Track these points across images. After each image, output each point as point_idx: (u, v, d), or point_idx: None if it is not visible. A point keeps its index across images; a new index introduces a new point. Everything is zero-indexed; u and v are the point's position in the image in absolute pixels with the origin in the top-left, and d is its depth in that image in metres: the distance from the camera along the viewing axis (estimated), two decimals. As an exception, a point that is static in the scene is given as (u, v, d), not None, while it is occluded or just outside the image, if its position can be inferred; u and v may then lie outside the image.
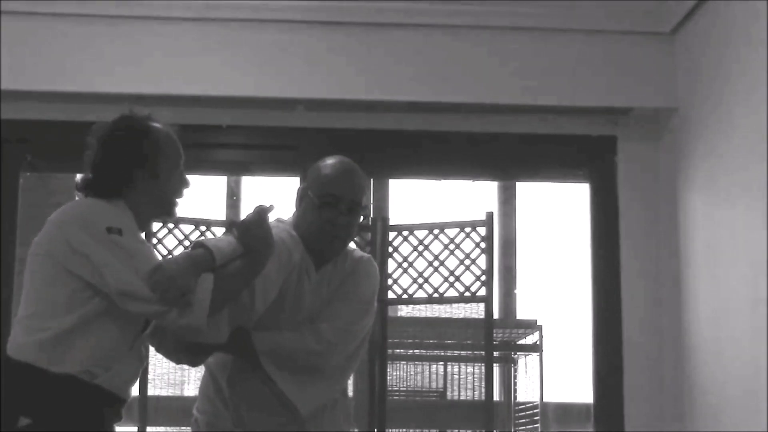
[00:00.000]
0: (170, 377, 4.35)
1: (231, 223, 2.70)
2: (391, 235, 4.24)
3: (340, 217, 2.88)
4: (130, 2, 4.22)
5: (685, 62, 4.27)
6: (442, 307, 4.48)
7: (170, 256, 2.54)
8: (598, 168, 4.51)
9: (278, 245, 2.74)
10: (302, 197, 2.96)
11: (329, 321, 2.88)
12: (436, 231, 4.25)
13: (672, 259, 4.28)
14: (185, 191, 2.73)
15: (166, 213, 2.74)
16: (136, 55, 4.22)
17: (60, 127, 4.31)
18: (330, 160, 2.97)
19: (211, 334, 2.64)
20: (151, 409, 4.18)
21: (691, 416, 4.09)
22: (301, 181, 3.02)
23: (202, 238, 2.55)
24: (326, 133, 4.43)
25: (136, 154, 2.64)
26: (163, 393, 4.51)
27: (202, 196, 4.80)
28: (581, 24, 4.34)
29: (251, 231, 2.62)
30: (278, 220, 2.95)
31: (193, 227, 4.23)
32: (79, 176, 2.72)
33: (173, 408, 4.32)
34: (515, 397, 5.47)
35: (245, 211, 6.38)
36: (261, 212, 2.66)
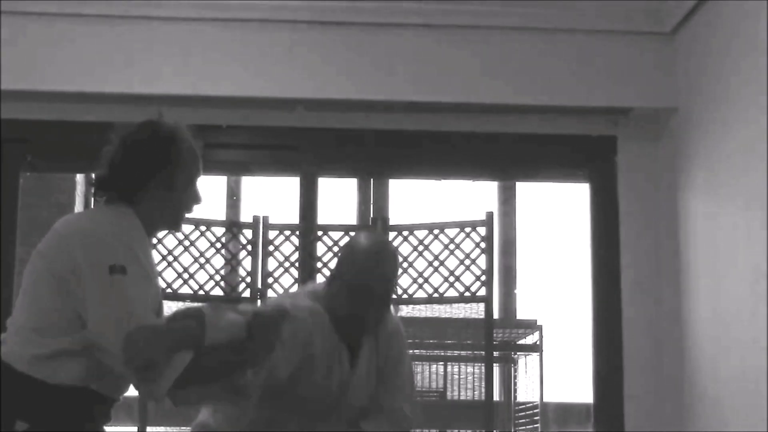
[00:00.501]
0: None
1: (253, 315, 2.50)
2: (391, 235, 4.25)
3: (372, 310, 2.81)
4: (130, 2, 4.22)
5: (685, 62, 4.27)
6: (442, 307, 4.49)
7: (160, 319, 2.42)
8: (598, 168, 4.51)
9: (298, 325, 2.72)
10: (334, 277, 2.87)
11: (401, 397, 2.90)
12: (436, 231, 4.25)
13: (672, 259, 4.28)
14: (195, 207, 2.71)
15: (173, 225, 2.70)
16: (136, 55, 4.22)
17: (60, 127, 4.31)
18: (365, 242, 2.87)
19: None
20: (151, 409, 4.18)
21: (691, 416, 4.09)
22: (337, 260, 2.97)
23: (206, 306, 2.45)
24: (326, 133, 4.43)
25: (156, 160, 2.58)
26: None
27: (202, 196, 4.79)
28: (581, 24, 4.34)
29: (266, 329, 2.48)
30: (306, 292, 2.92)
31: (193, 227, 4.23)
32: (94, 173, 2.69)
33: (173, 408, 4.31)
34: (515, 397, 5.47)
35: (245, 211, 6.35)
36: (280, 315, 2.52)
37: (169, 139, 2.61)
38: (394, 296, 3.08)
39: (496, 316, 4.99)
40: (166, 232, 4.15)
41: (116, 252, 2.42)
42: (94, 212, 2.61)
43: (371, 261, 2.81)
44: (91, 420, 2.51)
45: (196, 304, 2.85)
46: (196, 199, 2.67)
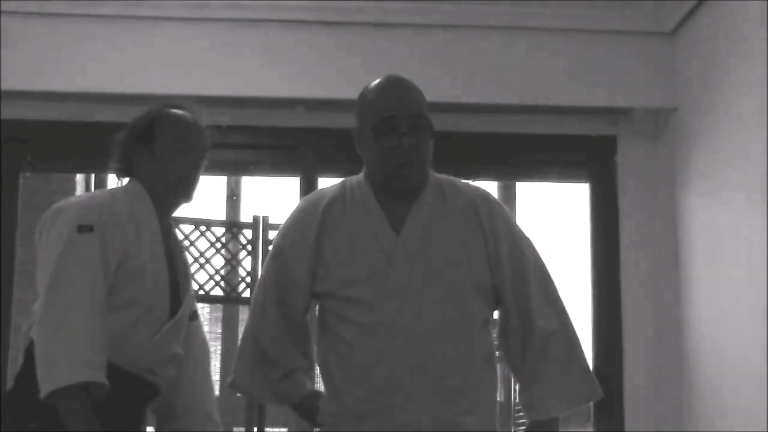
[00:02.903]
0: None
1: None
2: (391, 235, 4.24)
3: (404, 139, 2.43)
4: (130, 2, 4.22)
5: (685, 62, 4.27)
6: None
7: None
8: (598, 168, 4.51)
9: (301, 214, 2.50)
10: (358, 139, 2.52)
11: (530, 294, 2.49)
12: (436, 231, 4.25)
13: (672, 259, 4.28)
14: (185, 175, 2.69)
15: (181, 194, 2.70)
16: (136, 55, 4.22)
17: (60, 127, 4.31)
18: (374, 83, 2.53)
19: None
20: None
21: (690, 416, 4.09)
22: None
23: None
24: (326, 133, 4.43)
25: (139, 129, 2.68)
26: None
27: (202, 196, 4.80)
28: (581, 24, 4.34)
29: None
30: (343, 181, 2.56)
31: (193, 227, 4.23)
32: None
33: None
34: (515, 397, 5.47)
35: (245, 211, 6.36)
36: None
37: (158, 111, 2.68)
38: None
39: (496, 316, 4.99)
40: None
41: (84, 211, 2.55)
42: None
43: (385, 90, 2.49)
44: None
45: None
46: (184, 168, 2.68)
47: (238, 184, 6.43)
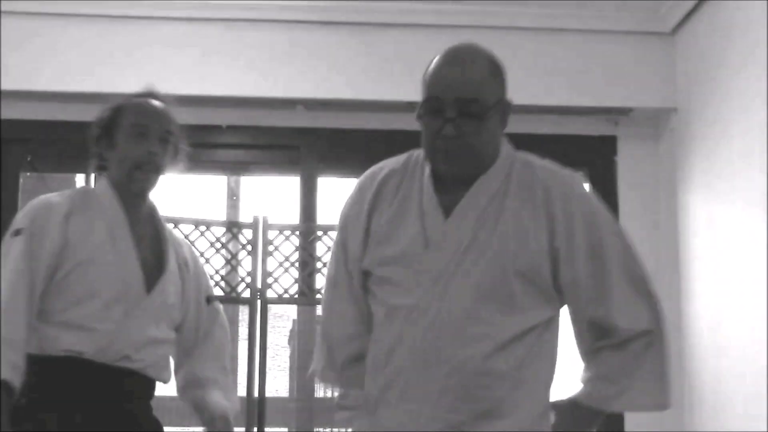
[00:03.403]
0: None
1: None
2: (391, 235, 4.24)
3: (447, 126, 2.16)
4: (130, 2, 4.22)
5: (685, 62, 4.27)
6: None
7: None
8: (598, 168, 4.51)
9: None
10: (418, 114, 2.25)
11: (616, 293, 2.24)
12: (436, 231, 4.24)
13: (672, 258, 4.28)
14: (141, 161, 2.66)
15: (140, 181, 2.67)
16: (136, 55, 4.22)
17: (60, 127, 4.31)
18: (442, 52, 2.25)
19: None
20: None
21: (691, 416, 4.09)
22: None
23: None
24: (326, 133, 4.43)
25: (103, 123, 2.72)
26: (158, 393, 4.54)
27: (202, 196, 4.79)
28: (581, 24, 4.34)
29: None
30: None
31: (193, 227, 4.22)
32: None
33: (171, 408, 4.32)
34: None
35: (245, 211, 6.39)
36: None
37: (118, 102, 2.71)
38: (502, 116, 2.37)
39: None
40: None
41: (30, 214, 2.61)
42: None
43: (440, 65, 2.21)
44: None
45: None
46: (139, 151, 2.65)
47: (238, 184, 6.42)
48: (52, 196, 2.66)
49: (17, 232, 2.54)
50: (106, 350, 2.55)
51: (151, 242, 2.73)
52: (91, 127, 2.75)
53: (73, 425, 2.49)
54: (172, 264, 2.73)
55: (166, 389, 4.07)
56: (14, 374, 2.42)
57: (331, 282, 2.40)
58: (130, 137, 2.68)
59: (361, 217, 2.30)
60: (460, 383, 2.13)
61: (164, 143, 2.70)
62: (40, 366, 2.50)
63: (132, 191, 2.69)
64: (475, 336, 2.14)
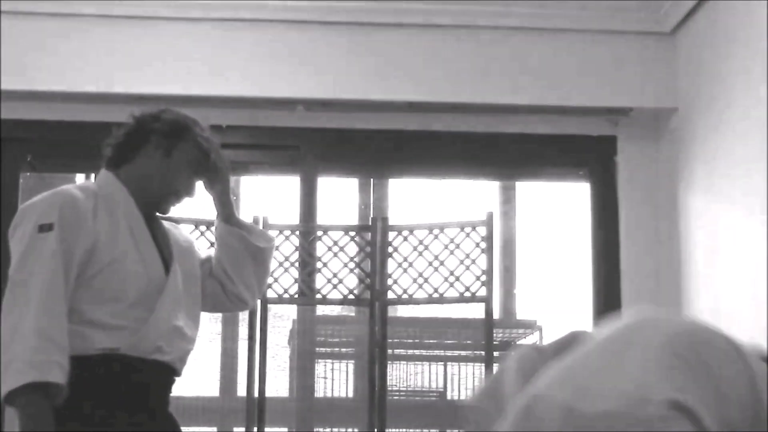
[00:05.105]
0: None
1: None
2: (391, 235, 4.24)
3: None
4: (131, 2, 4.22)
5: (685, 62, 4.27)
6: (442, 307, 4.48)
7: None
8: (598, 168, 4.51)
9: None
10: None
11: None
12: (436, 231, 4.24)
13: (672, 259, 4.28)
14: (185, 198, 2.71)
15: (166, 204, 2.71)
16: (136, 55, 4.22)
17: (60, 127, 4.31)
18: None
19: None
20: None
21: (691, 416, 4.08)
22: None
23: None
24: (326, 133, 4.43)
25: (160, 123, 2.68)
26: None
27: (202, 196, 4.79)
28: (581, 24, 4.34)
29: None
30: None
31: (193, 227, 4.23)
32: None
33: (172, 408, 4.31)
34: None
35: (245, 211, 6.41)
36: None
37: (192, 120, 2.69)
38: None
39: (496, 316, 4.99)
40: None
41: (44, 210, 2.56)
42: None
43: None
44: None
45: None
46: (188, 188, 2.69)
47: (238, 184, 6.41)
48: (72, 189, 2.61)
49: (48, 227, 2.49)
50: (137, 344, 2.55)
51: (162, 237, 2.75)
52: (148, 117, 2.69)
53: (118, 422, 2.50)
54: (176, 249, 2.75)
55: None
56: (62, 376, 2.40)
57: None
58: (188, 168, 2.69)
59: None
60: None
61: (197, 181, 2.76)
62: (77, 364, 2.48)
63: (152, 204, 2.71)
64: None
